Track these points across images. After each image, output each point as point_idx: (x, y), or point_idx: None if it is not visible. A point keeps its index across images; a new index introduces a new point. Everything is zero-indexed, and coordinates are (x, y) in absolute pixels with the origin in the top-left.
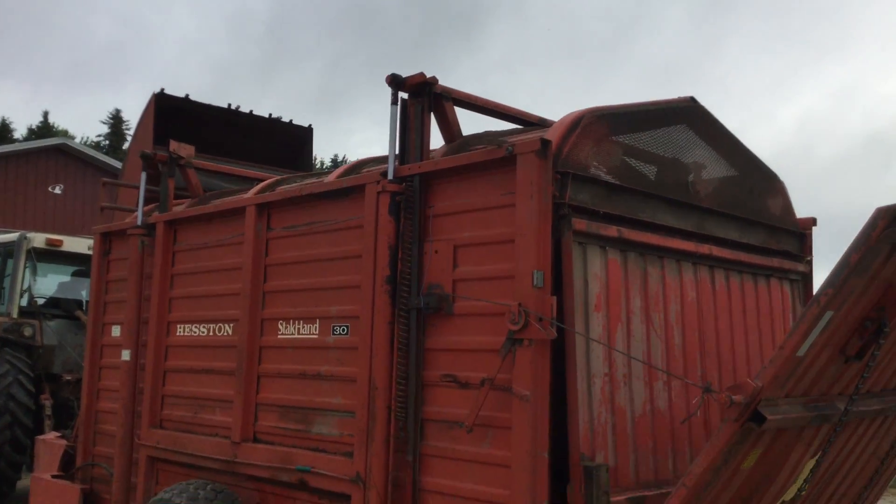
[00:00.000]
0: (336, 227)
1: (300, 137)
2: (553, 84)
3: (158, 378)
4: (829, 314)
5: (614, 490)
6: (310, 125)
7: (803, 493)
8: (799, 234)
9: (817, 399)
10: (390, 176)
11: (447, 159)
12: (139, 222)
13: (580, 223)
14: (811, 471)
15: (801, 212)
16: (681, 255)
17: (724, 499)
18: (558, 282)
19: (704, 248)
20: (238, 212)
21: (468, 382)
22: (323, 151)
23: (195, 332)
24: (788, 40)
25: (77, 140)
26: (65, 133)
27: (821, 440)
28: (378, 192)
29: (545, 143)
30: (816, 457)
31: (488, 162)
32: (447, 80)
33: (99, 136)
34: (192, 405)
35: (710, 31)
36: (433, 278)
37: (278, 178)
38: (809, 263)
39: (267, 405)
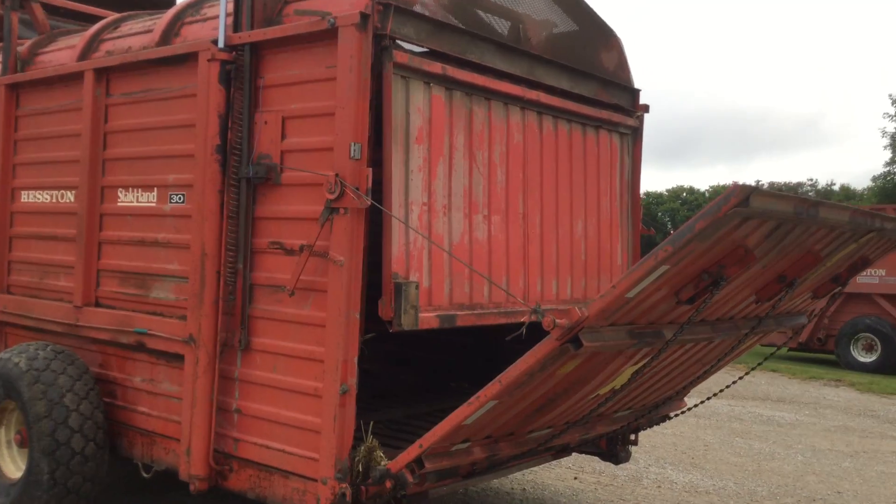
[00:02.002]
0: (172, 94)
1: None
2: None
3: (4, 244)
4: (664, 268)
5: (427, 308)
6: None
7: (620, 391)
8: (631, 90)
9: (644, 327)
10: (221, 44)
11: (274, 29)
12: None
13: (402, 56)
14: (631, 376)
15: (719, 105)
16: (508, 99)
17: (537, 393)
18: (379, 112)
19: (532, 94)
20: (77, 76)
21: (293, 249)
22: None
23: (39, 199)
24: None
25: None
26: None
27: (643, 355)
28: (208, 60)
29: (364, 16)
30: (638, 366)
31: (313, 34)
32: None
33: None
34: (37, 271)
35: None
36: (263, 149)
37: (122, 14)
38: (640, 119)
39: (108, 271)
